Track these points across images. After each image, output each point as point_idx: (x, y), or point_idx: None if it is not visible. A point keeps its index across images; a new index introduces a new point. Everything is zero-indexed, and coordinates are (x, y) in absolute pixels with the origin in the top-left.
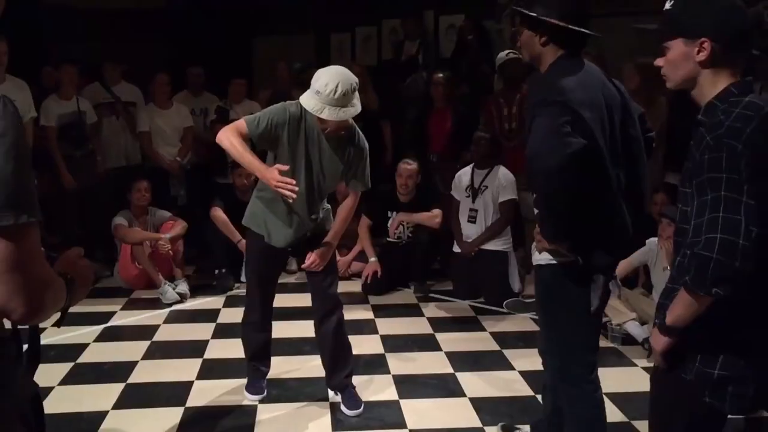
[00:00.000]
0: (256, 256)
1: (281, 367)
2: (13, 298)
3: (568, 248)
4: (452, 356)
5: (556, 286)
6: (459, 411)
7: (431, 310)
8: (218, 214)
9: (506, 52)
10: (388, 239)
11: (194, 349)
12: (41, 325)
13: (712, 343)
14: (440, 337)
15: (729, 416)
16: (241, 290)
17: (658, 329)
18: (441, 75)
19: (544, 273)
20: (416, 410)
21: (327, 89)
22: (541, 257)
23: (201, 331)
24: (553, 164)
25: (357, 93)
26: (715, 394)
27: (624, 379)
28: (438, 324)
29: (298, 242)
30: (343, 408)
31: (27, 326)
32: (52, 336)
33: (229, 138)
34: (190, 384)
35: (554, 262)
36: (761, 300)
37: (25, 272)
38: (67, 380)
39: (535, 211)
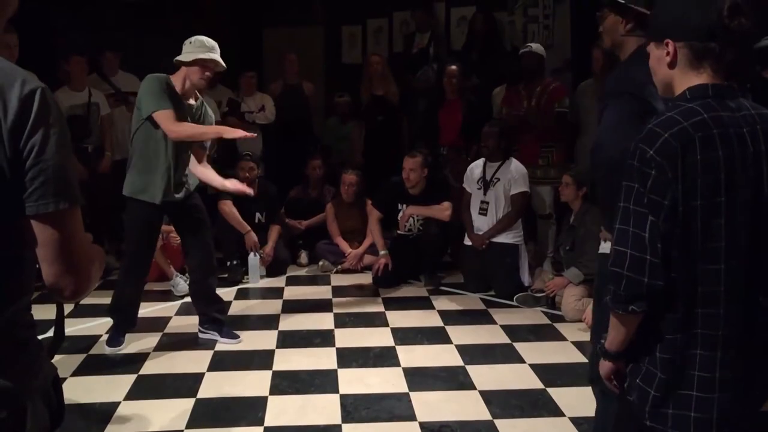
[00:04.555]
0: (139, 224)
1: (291, 358)
2: (64, 277)
3: None
4: (462, 349)
5: None
6: (469, 404)
7: (442, 302)
8: (226, 206)
9: (528, 44)
10: (398, 232)
11: (205, 340)
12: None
13: (651, 362)
14: (450, 329)
15: None
16: (248, 284)
17: (599, 351)
18: (454, 67)
19: (604, 261)
20: (426, 402)
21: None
22: (605, 246)
23: None
24: (617, 155)
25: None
26: (656, 417)
27: None
28: (448, 317)
29: (173, 202)
30: (223, 340)
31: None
32: (65, 328)
33: (179, 129)
34: (201, 375)
35: None
36: (695, 320)
37: (75, 252)
38: (79, 371)
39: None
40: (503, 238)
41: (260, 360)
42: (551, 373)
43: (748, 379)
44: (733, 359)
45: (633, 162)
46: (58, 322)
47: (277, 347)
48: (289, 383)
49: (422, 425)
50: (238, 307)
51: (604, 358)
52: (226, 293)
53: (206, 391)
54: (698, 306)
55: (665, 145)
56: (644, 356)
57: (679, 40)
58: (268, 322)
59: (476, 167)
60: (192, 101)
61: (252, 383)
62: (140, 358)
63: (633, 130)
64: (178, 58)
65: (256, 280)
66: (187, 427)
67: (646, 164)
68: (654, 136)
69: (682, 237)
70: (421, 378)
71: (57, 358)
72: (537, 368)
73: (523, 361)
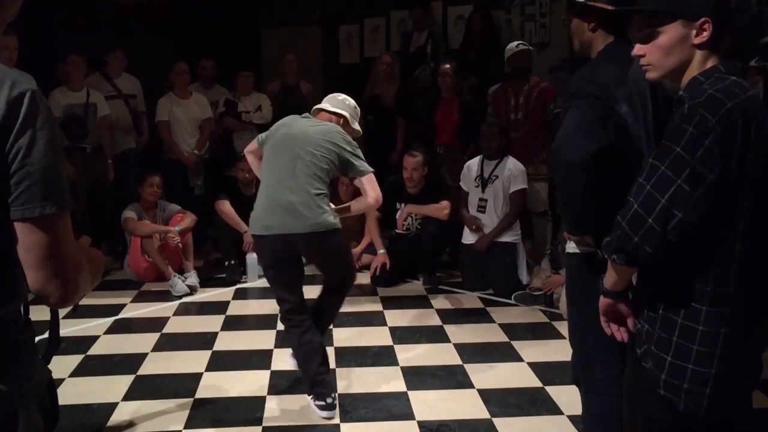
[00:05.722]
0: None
1: (290, 358)
2: (51, 282)
3: (594, 240)
4: (461, 348)
5: (580, 276)
6: (467, 402)
7: (440, 301)
8: (224, 206)
9: (516, 43)
10: (396, 231)
11: (204, 341)
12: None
13: (667, 329)
14: (449, 328)
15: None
16: (247, 284)
17: (600, 291)
18: (448, 66)
19: (572, 262)
20: (424, 402)
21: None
22: (569, 246)
23: (210, 323)
24: (576, 160)
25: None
26: (670, 387)
27: None
28: (446, 315)
29: None
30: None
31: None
32: (63, 328)
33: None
34: (199, 376)
35: (578, 251)
36: (717, 295)
37: (62, 258)
38: (77, 372)
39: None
40: (501, 237)
41: (258, 360)
42: (550, 372)
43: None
44: (760, 338)
45: (688, 127)
46: (53, 327)
47: (276, 347)
48: (287, 383)
49: (421, 424)
50: (236, 307)
51: (602, 295)
52: (224, 293)
53: (204, 391)
54: (730, 284)
55: (729, 116)
56: (659, 323)
57: (717, 21)
58: (266, 321)
59: (473, 165)
60: None
61: (250, 383)
62: (138, 358)
63: (594, 135)
64: (342, 112)
65: (255, 280)
66: (185, 427)
67: (704, 132)
68: (717, 104)
69: (725, 213)
70: (419, 377)
71: (54, 359)
72: (535, 367)
73: (521, 360)
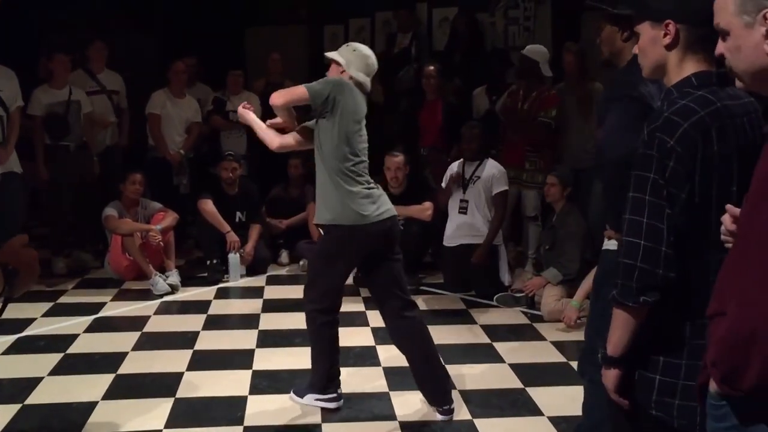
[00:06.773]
0: None
1: (271, 358)
2: None
3: None
4: (442, 349)
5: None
6: None
7: (422, 302)
8: (206, 206)
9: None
10: None
11: (185, 340)
12: (33, 316)
13: (653, 350)
14: (431, 329)
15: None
16: (229, 283)
17: (601, 361)
18: (432, 67)
19: (609, 257)
20: (406, 402)
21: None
22: (609, 243)
23: (192, 322)
24: (620, 156)
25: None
26: (662, 406)
27: None
28: (428, 316)
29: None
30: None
31: None
32: (42, 327)
33: None
34: (180, 375)
35: None
36: (699, 307)
37: None
38: (57, 371)
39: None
40: (482, 239)
41: (240, 359)
42: (530, 373)
43: None
44: None
45: (651, 152)
46: None
47: (257, 347)
48: (269, 383)
49: (402, 425)
50: (218, 307)
51: (608, 366)
52: (206, 292)
53: (185, 390)
54: (709, 295)
55: (685, 136)
56: (645, 347)
57: (680, 23)
58: (248, 321)
59: (453, 166)
60: None
61: (231, 383)
62: (118, 357)
63: (634, 132)
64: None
65: (237, 279)
66: (166, 426)
67: (666, 155)
68: (673, 126)
69: (698, 227)
70: (401, 378)
71: (34, 357)
72: (516, 368)
73: (502, 361)
